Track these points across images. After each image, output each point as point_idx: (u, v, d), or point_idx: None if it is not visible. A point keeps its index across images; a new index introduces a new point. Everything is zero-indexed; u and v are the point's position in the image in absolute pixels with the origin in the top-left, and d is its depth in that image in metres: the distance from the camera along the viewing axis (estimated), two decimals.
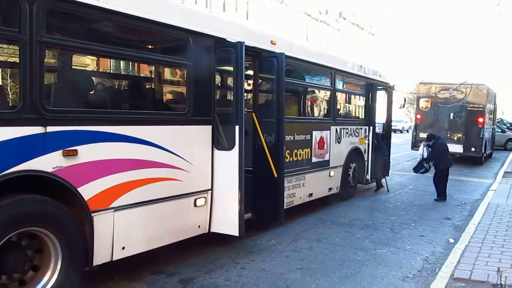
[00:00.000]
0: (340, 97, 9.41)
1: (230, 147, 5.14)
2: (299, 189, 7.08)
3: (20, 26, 3.37)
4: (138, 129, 4.34)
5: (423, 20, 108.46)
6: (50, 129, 3.57)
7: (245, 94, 5.88)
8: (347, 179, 8.88)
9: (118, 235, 4.15)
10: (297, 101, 8.33)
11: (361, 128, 9.45)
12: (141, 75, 6.88)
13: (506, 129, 25.93)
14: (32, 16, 3.40)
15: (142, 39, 4.92)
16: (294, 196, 6.93)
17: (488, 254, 5.29)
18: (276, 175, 5.92)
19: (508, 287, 4.20)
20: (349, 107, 11.06)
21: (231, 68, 5.41)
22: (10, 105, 4.48)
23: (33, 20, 3.41)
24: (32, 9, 3.40)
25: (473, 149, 15.69)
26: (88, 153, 3.85)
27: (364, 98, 9.88)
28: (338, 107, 9.05)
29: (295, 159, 6.92)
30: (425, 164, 9.75)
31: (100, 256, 4.02)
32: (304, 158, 7.19)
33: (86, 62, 6.87)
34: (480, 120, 15.66)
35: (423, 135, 13.75)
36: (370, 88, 9.76)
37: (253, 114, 6.03)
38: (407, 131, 42.07)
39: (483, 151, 16.23)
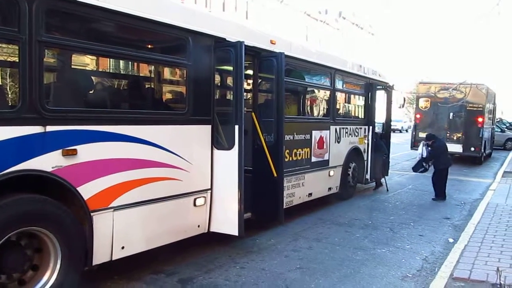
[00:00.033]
0: (340, 96, 9.41)
1: (230, 147, 5.14)
2: (299, 189, 7.08)
3: (19, 26, 3.37)
4: (137, 129, 4.34)
5: (423, 20, 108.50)
6: (50, 128, 3.57)
7: (245, 93, 5.88)
8: (347, 178, 8.88)
9: (118, 234, 4.15)
10: (296, 101, 8.33)
11: (361, 128, 9.45)
12: (141, 74, 6.88)
13: (506, 129, 25.96)
14: (31, 15, 3.40)
15: (141, 39, 4.92)
16: (293, 196, 6.93)
17: (488, 253, 5.29)
18: (275, 175, 5.92)
19: (507, 286, 4.20)
20: (348, 106, 11.07)
21: (230, 68, 5.41)
22: (10, 104, 4.48)
23: (33, 20, 3.41)
24: (31, 9, 3.40)
25: (472, 148, 15.70)
26: (87, 152, 3.85)
27: (364, 97, 9.88)
28: (337, 106, 9.05)
29: (294, 158, 6.92)
30: (424, 164, 9.78)
31: (100, 256, 4.02)
32: (303, 157, 7.19)
33: (85, 61, 6.88)
34: (480, 119, 15.67)
35: (422, 134, 13.77)
36: (369, 87, 9.76)
37: (253, 113, 6.03)
38: (406, 130, 42.11)
39: (482, 150, 16.24)
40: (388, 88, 10.46)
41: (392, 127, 11.95)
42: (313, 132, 7.50)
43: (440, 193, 9.42)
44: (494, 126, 21.20)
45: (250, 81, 6.65)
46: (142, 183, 4.38)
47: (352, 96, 10.53)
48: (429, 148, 9.57)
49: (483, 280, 4.44)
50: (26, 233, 3.54)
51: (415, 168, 10.03)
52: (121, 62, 7.78)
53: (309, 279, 4.73)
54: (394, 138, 13.24)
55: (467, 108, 15.63)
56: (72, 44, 4.07)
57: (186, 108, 4.96)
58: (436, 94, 15.81)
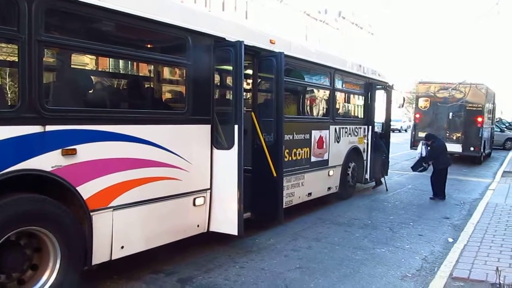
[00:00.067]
0: (339, 96, 9.41)
1: (229, 147, 5.14)
2: (298, 189, 7.08)
3: (19, 25, 3.36)
4: (137, 128, 4.34)
5: (423, 20, 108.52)
6: (49, 128, 3.57)
7: (244, 93, 5.88)
8: (346, 178, 8.88)
9: (117, 234, 4.15)
10: (296, 101, 8.33)
11: (360, 128, 9.45)
12: (140, 74, 6.88)
13: (505, 129, 25.99)
14: (30, 15, 3.40)
15: (141, 38, 4.91)
16: (293, 196, 6.93)
17: (487, 253, 5.30)
18: (275, 175, 5.92)
19: (507, 286, 4.21)
20: (348, 106, 11.06)
21: (230, 67, 5.40)
22: (9, 104, 4.48)
23: (32, 19, 3.41)
24: (30, 8, 3.40)
25: (472, 148, 15.70)
26: (87, 152, 3.84)
27: (363, 97, 9.87)
28: (337, 106, 9.05)
29: (294, 158, 6.92)
30: (423, 163, 9.80)
31: (99, 255, 4.02)
32: (303, 157, 7.19)
33: (85, 61, 6.88)
34: (479, 119, 15.68)
35: (422, 134, 13.79)
36: (369, 87, 9.76)
37: (252, 113, 6.03)
38: (406, 130, 42.12)
39: (482, 150, 16.25)
40: (387, 88, 10.47)
41: (391, 127, 11.95)
42: (313, 131, 7.50)
43: (439, 192, 9.43)
44: (494, 126, 21.21)
45: (250, 81, 6.65)
46: (141, 182, 4.38)
47: (351, 95, 10.53)
48: (429, 148, 9.58)
49: (482, 280, 4.45)
50: (26, 232, 3.54)
51: (414, 168, 10.05)
52: (121, 61, 7.77)
53: (308, 278, 4.73)
54: (394, 138, 13.25)
55: (467, 108, 15.65)
56: (72, 43, 4.06)
57: (185, 107, 4.96)
58: (436, 94, 15.82)
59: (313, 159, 7.49)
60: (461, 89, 15.45)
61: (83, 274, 3.94)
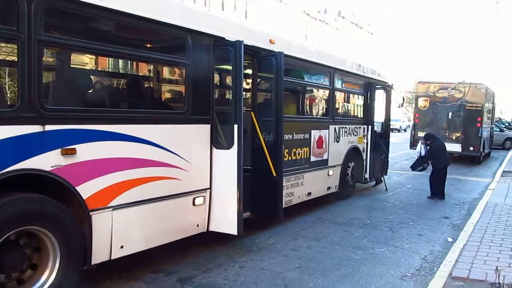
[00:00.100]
0: (339, 96, 9.41)
1: (229, 146, 5.14)
2: (298, 188, 7.08)
3: (18, 25, 3.36)
4: (136, 128, 4.34)
5: (422, 20, 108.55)
6: (49, 127, 3.56)
7: (244, 93, 5.87)
8: (346, 178, 8.88)
9: (117, 234, 4.14)
10: (295, 100, 8.33)
11: (360, 127, 9.46)
12: (140, 74, 6.87)
13: (505, 128, 26.01)
14: (30, 14, 3.40)
15: (140, 38, 4.91)
16: (292, 195, 6.93)
17: (486, 253, 5.30)
18: (274, 174, 5.92)
19: (506, 286, 4.21)
20: (347, 106, 11.06)
21: (230, 67, 5.40)
22: (9, 103, 4.47)
23: (31, 19, 3.41)
24: (30, 8, 3.39)
25: (471, 148, 15.71)
26: (86, 151, 3.84)
27: (363, 97, 9.88)
28: (336, 106, 9.05)
29: (293, 158, 6.92)
30: (423, 163, 9.81)
31: (99, 255, 4.02)
32: (302, 157, 7.20)
33: (84, 60, 6.86)
34: (479, 119, 15.68)
35: (421, 134, 13.78)
36: (368, 87, 9.76)
37: (252, 113, 6.02)
38: (405, 130, 42.14)
39: (481, 150, 16.25)
40: (387, 88, 10.47)
41: (390, 127, 11.95)
42: (312, 131, 7.50)
43: (438, 192, 9.44)
44: (493, 125, 21.22)
45: (249, 81, 6.64)
46: (141, 182, 4.38)
47: (351, 95, 10.53)
48: (428, 147, 9.59)
49: (482, 280, 4.45)
50: (25, 232, 3.54)
51: (413, 167, 10.07)
52: (120, 61, 7.77)
53: (308, 278, 4.73)
54: (393, 137, 13.25)
55: (466, 108, 15.65)
56: (71, 43, 4.06)
57: (185, 107, 4.96)
58: (435, 94, 15.83)
59: (312, 158, 7.50)
60: (461, 89, 15.47)
61: (82, 273, 3.94)
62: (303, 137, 7.23)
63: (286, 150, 6.58)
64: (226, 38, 5.33)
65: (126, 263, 4.45)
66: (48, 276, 3.67)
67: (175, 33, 4.83)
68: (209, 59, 5.19)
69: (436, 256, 5.61)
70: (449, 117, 15.93)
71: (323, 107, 8.96)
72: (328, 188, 8.24)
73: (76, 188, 3.77)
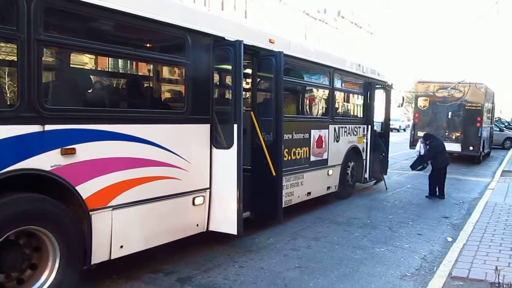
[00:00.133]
0: (339, 96, 9.41)
1: (229, 146, 5.14)
2: (298, 188, 7.08)
3: (18, 24, 3.36)
4: (136, 128, 4.33)
5: (422, 19, 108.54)
6: (48, 127, 3.56)
7: (244, 92, 5.87)
8: (346, 178, 8.88)
9: (116, 233, 4.14)
10: (295, 100, 8.33)
11: (360, 127, 9.45)
12: (139, 73, 6.87)
13: (504, 128, 26.02)
14: (30, 14, 3.39)
15: (140, 38, 4.91)
16: (292, 195, 6.93)
17: (486, 252, 5.30)
18: (274, 174, 5.92)
19: (506, 285, 4.21)
20: (347, 106, 11.07)
21: (229, 67, 5.40)
22: (8, 103, 4.47)
23: (31, 18, 3.40)
24: (30, 7, 3.39)
25: (471, 148, 15.71)
26: (86, 151, 3.84)
27: (363, 97, 9.88)
28: (336, 106, 9.06)
29: (293, 157, 6.92)
30: (422, 162, 9.81)
31: (98, 255, 4.02)
32: (302, 157, 7.19)
33: (84, 60, 6.86)
34: (478, 119, 15.68)
35: (421, 134, 13.77)
36: (368, 87, 9.76)
37: (252, 112, 6.02)
38: (404, 130, 42.14)
39: (481, 150, 16.25)
40: (387, 87, 10.47)
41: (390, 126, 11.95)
42: (312, 131, 7.50)
43: (439, 192, 9.45)
44: (493, 125, 21.22)
45: (249, 80, 6.64)
46: (140, 182, 4.38)
47: (351, 95, 10.53)
48: (427, 147, 9.59)
49: (481, 279, 4.45)
50: (25, 232, 3.54)
51: (413, 166, 10.09)
52: (120, 61, 7.77)
53: (307, 278, 4.73)
54: (393, 137, 13.25)
55: (466, 107, 15.66)
56: (71, 43, 4.06)
57: (185, 107, 4.96)
58: (435, 93, 15.84)
59: (312, 158, 7.49)
60: (460, 89, 15.48)
61: (82, 273, 3.93)
62: (303, 136, 7.23)
63: (286, 150, 6.58)
64: (226, 38, 5.32)
65: (125, 263, 4.45)
66: (48, 276, 3.67)
67: (175, 33, 4.83)
68: (208, 59, 5.18)
69: (435, 255, 5.61)
70: (449, 116, 15.94)
71: (322, 107, 8.96)
72: (328, 187, 8.24)
73: (76, 188, 3.76)
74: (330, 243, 5.99)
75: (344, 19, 50.32)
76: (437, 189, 9.49)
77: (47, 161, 3.54)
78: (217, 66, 5.60)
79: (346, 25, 50.89)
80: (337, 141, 8.42)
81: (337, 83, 8.59)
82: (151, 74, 6.46)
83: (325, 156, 7.95)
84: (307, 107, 8.79)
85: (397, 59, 76.41)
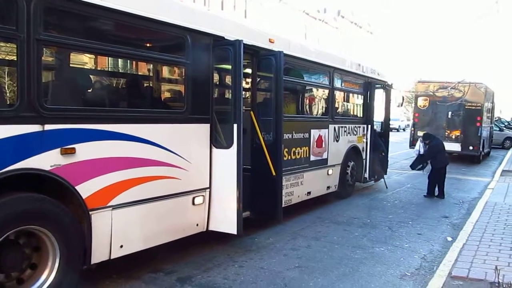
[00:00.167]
0: (339, 95, 9.41)
1: (228, 146, 5.14)
2: (297, 188, 7.08)
3: (17, 24, 3.36)
4: (136, 127, 4.33)
5: (422, 19, 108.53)
6: (48, 127, 3.56)
7: (243, 92, 5.87)
8: (345, 177, 8.88)
9: (116, 233, 4.14)
10: (295, 100, 8.33)
11: (360, 127, 9.46)
12: (139, 73, 6.87)
13: (504, 128, 26.02)
14: (29, 13, 3.39)
15: (140, 37, 4.90)
16: (292, 195, 6.93)
17: (486, 252, 5.30)
18: (274, 174, 5.92)
19: (505, 285, 4.21)
20: (347, 105, 11.06)
21: (229, 66, 5.39)
22: (8, 103, 4.47)
23: (31, 18, 3.40)
24: (29, 7, 3.39)
25: (471, 147, 15.71)
26: (86, 151, 3.84)
27: (363, 96, 9.88)
28: (336, 105, 9.06)
29: (293, 157, 6.92)
30: (422, 162, 9.82)
31: (98, 255, 4.02)
32: (302, 156, 7.19)
33: (84, 60, 6.86)
34: (478, 118, 15.68)
35: (421, 133, 13.77)
36: (368, 86, 9.76)
37: (251, 112, 6.02)
38: (404, 129, 42.14)
39: (481, 149, 16.26)
40: (387, 87, 10.46)
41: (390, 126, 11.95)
42: (312, 131, 7.50)
43: (439, 191, 9.45)
44: (493, 125, 21.23)
45: (249, 80, 6.64)
46: (140, 181, 4.38)
47: (351, 94, 10.52)
48: (427, 146, 9.60)
49: (481, 279, 4.45)
50: (25, 231, 3.54)
51: (413, 166, 10.10)
52: (120, 60, 7.77)
53: (307, 277, 4.73)
54: (392, 137, 13.25)
55: (466, 107, 15.66)
56: (71, 42, 4.05)
57: (184, 106, 4.96)
58: (435, 93, 15.84)
59: (312, 158, 7.49)
60: (460, 88, 15.49)
61: (82, 273, 3.93)
62: (303, 136, 7.23)
63: (286, 150, 6.58)
64: (226, 38, 5.32)
65: (125, 263, 4.45)
66: (48, 275, 3.67)
67: (175, 33, 4.83)
68: (208, 59, 5.18)
69: (435, 255, 5.61)
70: (449, 116, 15.94)
71: (322, 107, 8.96)
72: (328, 187, 8.24)
73: (76, 187, 3.76)
74: (330, 243, 5.99)
75: (344, 19, 50.32)
76: (437, 189, 9.50)
77: (47, 160, 3.54)
78: (217, 65, 5.60)
79: (346, 25, 50.89)
80: (337, 141, 8.42)
81: (337, 83, 8.59)
82: (151, 74, 6.46)
83: (325, 156, 7.95)
84: (307, 106, 8.79)
85: (397, 59, 76.48)
